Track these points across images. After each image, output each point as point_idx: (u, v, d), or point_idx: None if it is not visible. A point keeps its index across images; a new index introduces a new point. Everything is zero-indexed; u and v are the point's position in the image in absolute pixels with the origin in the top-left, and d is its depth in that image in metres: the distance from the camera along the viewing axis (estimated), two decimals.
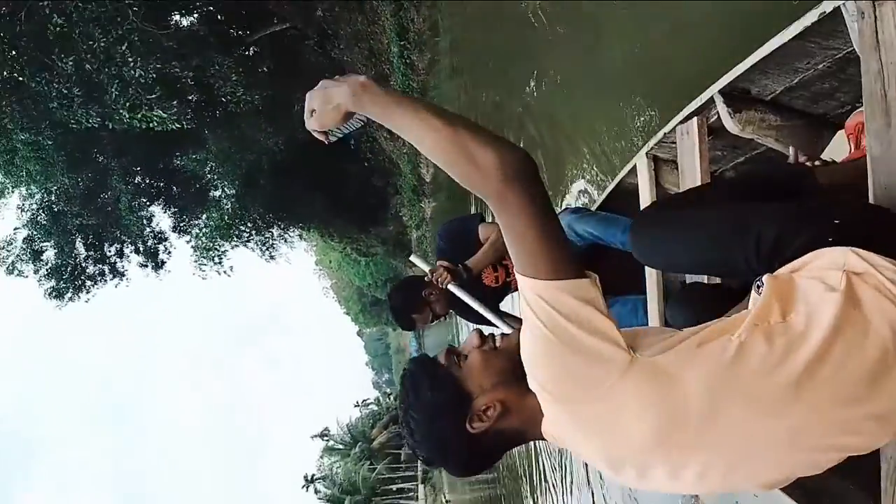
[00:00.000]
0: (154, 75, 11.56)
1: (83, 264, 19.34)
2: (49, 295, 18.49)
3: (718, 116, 2.28)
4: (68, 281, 18.72)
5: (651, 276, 2.69)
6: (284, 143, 19.44)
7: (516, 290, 2.90)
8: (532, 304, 1.07)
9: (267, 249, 24.09)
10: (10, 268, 18.10)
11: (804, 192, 1.71)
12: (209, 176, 21.63)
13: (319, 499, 43.08)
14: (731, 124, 2.21)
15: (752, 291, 1.20)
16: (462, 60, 14.57)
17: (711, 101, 2.28)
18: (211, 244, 21.40)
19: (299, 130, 19.41)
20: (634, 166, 3.01)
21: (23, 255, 18.22)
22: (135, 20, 11.52)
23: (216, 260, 21.74)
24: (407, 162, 20.90)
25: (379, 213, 28.48)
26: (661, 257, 1.79)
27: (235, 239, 21.82)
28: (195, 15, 17.25)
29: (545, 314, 1.06)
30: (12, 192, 18.24)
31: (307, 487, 45.80)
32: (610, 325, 1.07)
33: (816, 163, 1.90)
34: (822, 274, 1.12)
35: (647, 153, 2.84)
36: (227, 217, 20.71)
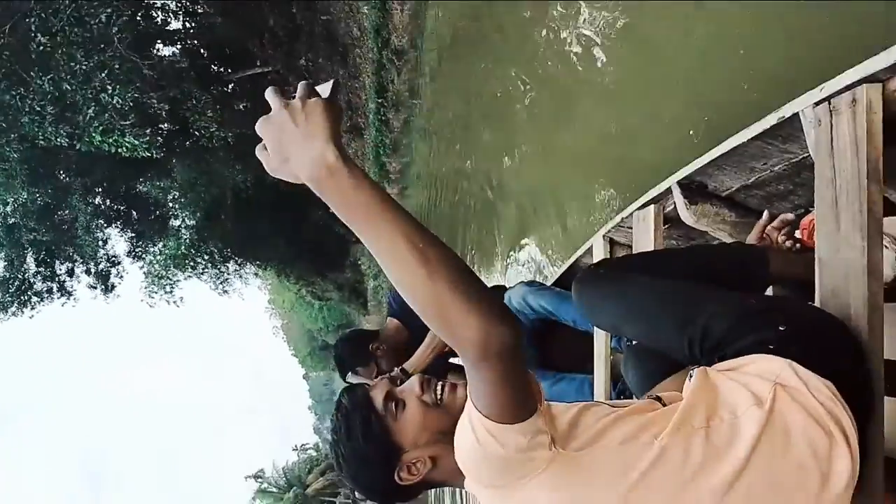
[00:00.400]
0: (131, 103, 11.66)
1: (31, 280, 18.93)
2: None
3: (675, 206, 2.33)
4: (14, 295, 18.32)
5: (599, 353, 2.68)
6: (251, 181, 19.52)
7: None
8: (478, 433, 1.04)
9: (221, 283, 23.88)
10: None
11: (755, 278, 1.75)
12: (171, 205, 21.51)
13: None
14: (686, 215, 2.27)
15: (687, 378, 1.22)
16: (436, 124, 14.95)
17: (669, 190, 2.33)
18: (164, 272, 21.14)
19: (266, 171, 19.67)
20: (591, 247, 3.07)
21: None
22: (119, 47, 11.68)
23: (167, 289, 21.43)
24: None
25: (338, 260, 28.46)
26: (604, 321, 1.80)
27: (190, 270, 21.53)
28: (178, 46, 17.46)
29: (488, 444, 1.03)
30: None
31: None
32: (543, 436, 1.05)
33: (787, 243, 1.90)
34: (753, 382, 1.12)
35: (603, 235, 2.90)
36: (183, 247, 20.50)
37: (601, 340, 2.70)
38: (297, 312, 51.13)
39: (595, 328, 2.70)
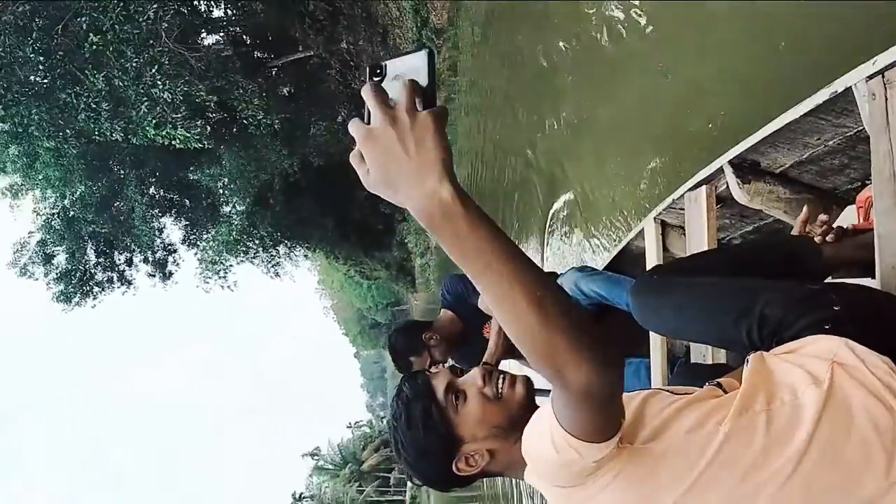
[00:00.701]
0: (181, 96, 11.97)
1: (92, 271, 19.61)
2: (57, 298, 18.77)
3: (727, 186, 2.28)
4: (76, 286, 19.00)
5: (655, 339, 2.66)
6: (298, 165, 19.82)
7: None
8: (556, 443, 1.03)
9: (273, 267, 24.34)
10: (23, 270, 18.42)
11: (809, 266, 1.73)
12: (221, 191, 22.01)
13: None
14: (739, 195, 2.22)
15: (744, 365, 1.22)
16: (477, 99, 14.99)
17: (721, 170, 2.28)
18: (217, 258, 21.71)
19: (313, 155, 19.96)
20: (642, 229, 3.02)
21: (35, 257, 18.52)
22: (167, 41, 11.98)
23: (221, 274, 22.02)
24: None
25: (385, 239, 28.74)
26: (663, 326, 1.81)
27: (242, 255, 22.12)
28: (221, 34, 17.74)
29: (566, 453, 1.02)
30: (26, 194, 18.67)
31: None
32: (617, 445, 1.04)
33: (829, 238, 1.83)
34: (810, 362, 1.11)
35: (655, 217, 2.85)
36: (235, 232, 20.96)
37: None
38: (346, 292, 51.76)
39: None
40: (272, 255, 23.82)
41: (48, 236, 18.67)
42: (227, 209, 22.49)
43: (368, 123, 0.81)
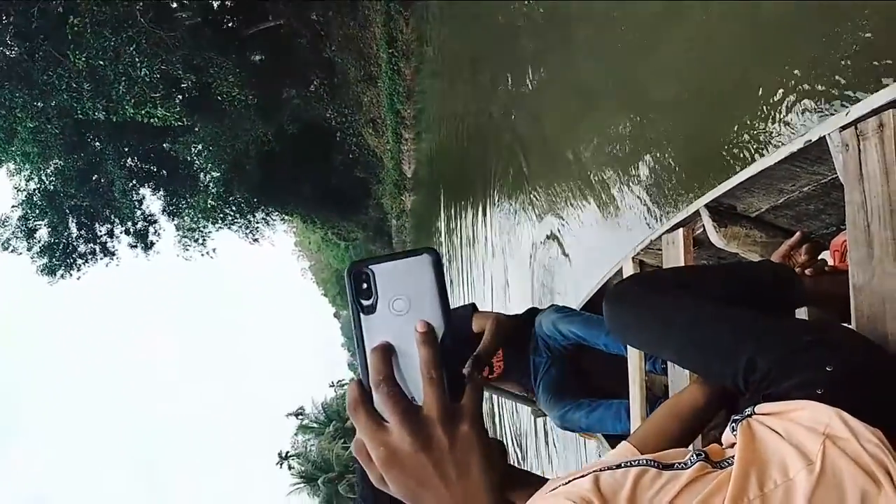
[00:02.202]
0: (158, 75, 12.40)
1: (74, 243, 20.07)
2: (41, 271, 19.29)
3: (704, 229, 2.29)
4: (60, 259, 19.50)
5: (634, 378, 2.65)
6: (273, 133, 20.22)
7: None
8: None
9: (250, 233, 24.85)
10: (6, 244, 18.83)
11: (787, 298, 1.72)
12: (196, 160, 22.36)
13: (293, 475, 43.69)
14: (716, 238, 2.22)
15: (728, 428, 1.19)
16: (445, 65, 15.36)
17: (697, 213, 2.29)
18: (195, 225, 22.19)
19: (287, 122, 20.29)
20: (621, 268, 3.04)
21: (17, 232, 18.94)
22: (142, 21, 12.35)
23: (199, 241, 22.59)
24: (391, 157, 21.77)
25: (361, 202, 29.18)
26: (638, 341, 1.75)
27: (220, 221, 22.62)
28: (193, 3, 17.86)
29: None
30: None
31: (281, 464, 46.29)
32: None
33: (808, 271, 1.83)
34: (801, 435, 1.07)
35: (633, 257, 2.86)
36: (211, 199, 21.39)
37: (635, 364, 2.65)
38: (323, 253, 51.85)
39: (629, 350, 2.69)
40: (249, 221, 24.27)
41: (29, 211, 19.06)
42: (203, 177, 22.87)
43: (364, 310, 0.64)
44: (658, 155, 5.68)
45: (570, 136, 8.17)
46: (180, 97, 13.58)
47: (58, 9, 11.98)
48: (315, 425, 47.38)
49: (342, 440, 43.07)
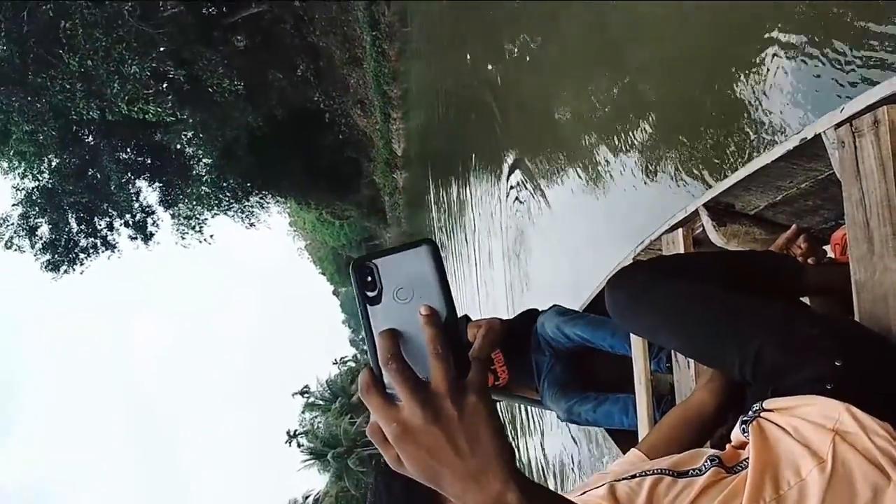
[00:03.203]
0: (149, 72, 12.70)
1: (76, 238, 20.38)
2: (45, 268, 19.64)
3: (703, 228, 2.27)
4: (62, 254, 19.83)
5: (639, 379, 2.63)
6: (262, 119, 20.46)
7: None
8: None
9: (246, 217, 25.22)
10: (8, 243, 19.12)
11: (790, 287, 1.72)
12: (189, 148, 22.67)
13: (302, 452, 44.15)
14: (715, 237, 2.21)
15: (737, 428, 1.18)
16: (428, 43, 15.50)
17: (696, 213, 2.28)
18: (191, 212, 22.52)
19: (276, 108, 20.50)
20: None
21: (19, 231, 19.23)
22: (131, 20, 12.63)
23: (196, 228, 22.94)
24: (380, 137, 22.02)
25: (353, 181, 29.32)
26: (641, 328, 1.72)
27: (215, 207, 22.96)
28: None
29: None
30: None
31: (290, 442, 46.75)
32: None
33: (809, 260, 1.85)
34: (810, 433, 1.07)
35: (633, 259, 2.84)
36: (205, 186, 21.73)
37: (640, 363, 2.62)
38: (318, 232, 51.80)
39: (633, 351, 2.69)
40: (244, 206, 24.59)
41: (30, 209, 19.33)
42: (197, 166, 23.16)
43: (370, 301, 0.68)
44: (647, 121, 5.81)
45: (549, 103, 8.32)
46: (171, 92, 13.82)
47: (48, 12, 12.20)
48: (321, 402, 47.75)
49: (349, 416, 43.45)
